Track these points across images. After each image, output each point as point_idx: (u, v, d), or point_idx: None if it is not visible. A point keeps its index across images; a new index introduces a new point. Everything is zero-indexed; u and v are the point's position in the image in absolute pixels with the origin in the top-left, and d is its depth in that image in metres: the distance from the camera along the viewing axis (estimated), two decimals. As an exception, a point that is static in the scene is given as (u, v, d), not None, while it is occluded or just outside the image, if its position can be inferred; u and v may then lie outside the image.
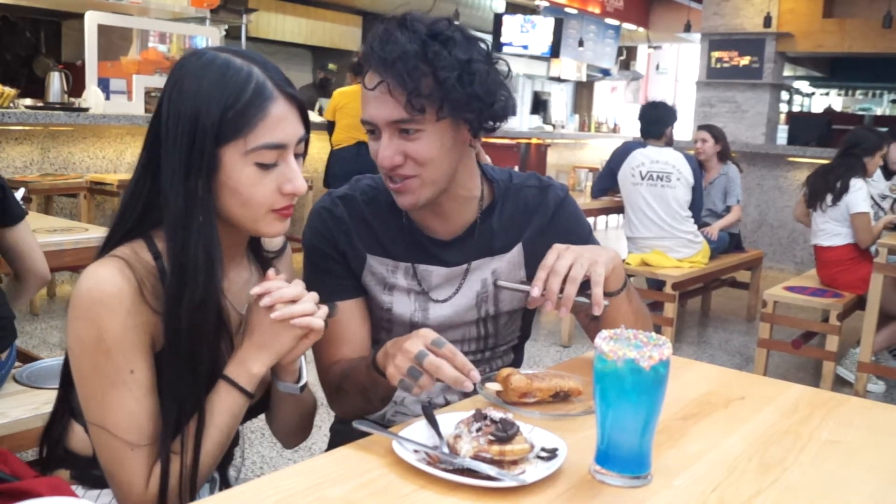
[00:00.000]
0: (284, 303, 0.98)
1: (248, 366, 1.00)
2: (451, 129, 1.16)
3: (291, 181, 1.00)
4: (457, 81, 1.10)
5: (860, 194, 3.78)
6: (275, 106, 0.98)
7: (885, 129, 4.46)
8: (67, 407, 1.08)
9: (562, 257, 1.09)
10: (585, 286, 1.09)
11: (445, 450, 0.89)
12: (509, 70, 1.20)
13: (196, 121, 0.95)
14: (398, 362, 1.01)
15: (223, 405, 1.00)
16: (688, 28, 10.17)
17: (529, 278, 1.30)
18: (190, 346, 0.98)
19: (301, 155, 1.03)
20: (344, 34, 10.26)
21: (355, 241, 1.28)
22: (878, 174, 4.26)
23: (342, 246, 1.28)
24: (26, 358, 2.27)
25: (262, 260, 1.16)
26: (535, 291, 1.08)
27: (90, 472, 1.07)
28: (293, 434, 1.24)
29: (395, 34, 1.11)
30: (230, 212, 1.00)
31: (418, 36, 1.11)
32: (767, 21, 7.50)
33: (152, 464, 0.98)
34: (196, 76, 0.97)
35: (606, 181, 4.58)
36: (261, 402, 1.13)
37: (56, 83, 4.84)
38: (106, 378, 0.94)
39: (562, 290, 1.07)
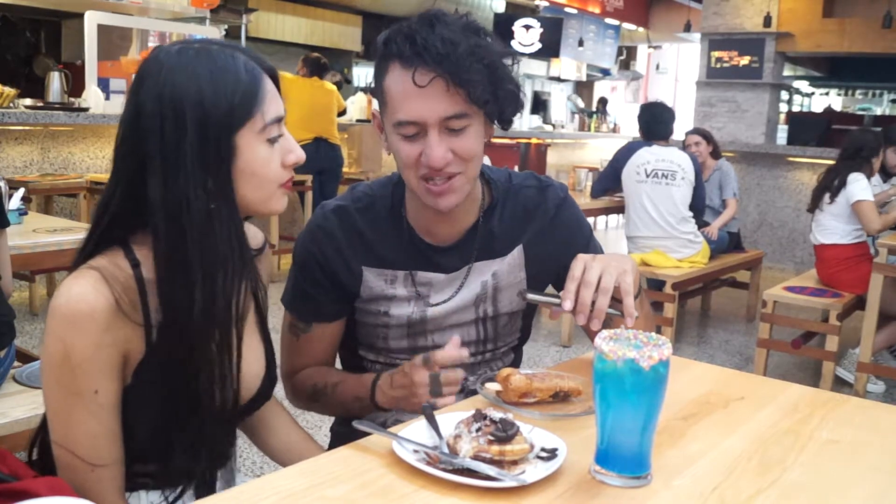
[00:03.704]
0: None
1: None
2: (485, 124, 1.17)
3: (293, 151, 1.01)
4: (506, 75, 1.12)
5: (859, 185, 3.78)
6: (266, 82, 0.99)
7: (878, 129, 4.46)
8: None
9: (590, 268, 1.06)
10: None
11: (445, 450, 0.89)
12: (517, 59, 1.21)
13: (204, 111, 0.92)
14: (419, 393, 1.11)
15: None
16: (688, 28, 10.17)
17: (529, 279, 1.30)
18: (187, 350, 0.96)
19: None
20: (344, 34, 10.26)
21: (348, 257, 1.25)
22: (876, 178, 4.26)
23: (332, 264, 1.25)
24: (26, 358, 2.27)
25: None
26: (567, 305, 1.06)
27: None
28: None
29: (438, 29, 1.09)
30: (245, 197, 0.99)
31: (461, 30, 1.10)
32: (767, 21, 7.50)
33: (118, 483, 0.97)
34: (186, 70, 0.93)
35: (608, 181, 4.57)
36: (258, 397, 1.13)
37: (56, 83, 4.84)
38: (68, 396, 0.93)
39: (592, 302, 1.06)
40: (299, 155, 1.02)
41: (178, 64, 0.94)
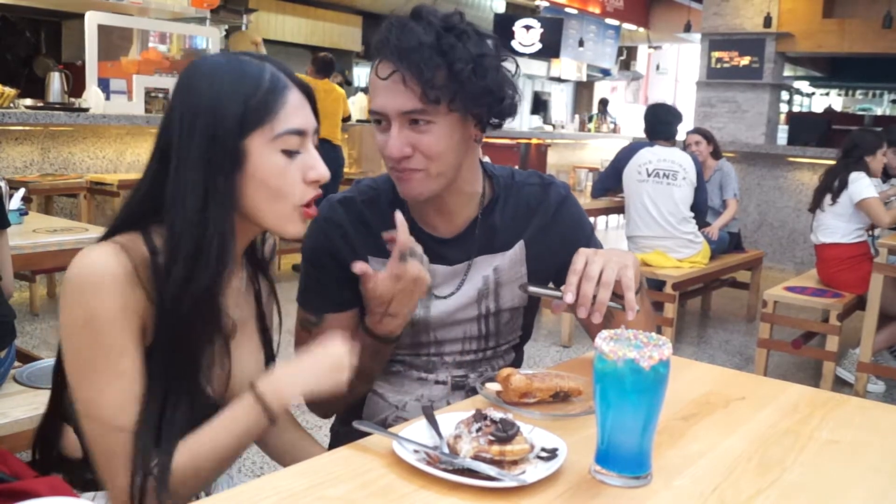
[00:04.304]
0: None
1: (282, 392, 0.98)
2: (460, 123, 1.16)
3: (315, 168, 1.01)
4: (471, 74, 1.11)
5: (861, 183, 3.78)
6: (292, 94, 0.99)
7: (879, 129, 4.47)
8: (59, 410, 1.07)
9: (591, 262, 1.07)
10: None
11: (445, 450, 0.89)
12: (517, 67, 1.20)
13: (216, 115, 0.95)
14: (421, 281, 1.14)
15: (242, 420, 0.97)
16: (688, 28, 10.18)
17: (530, 275, 1.31)
18: (182, 341, 0.97)
19: (316, 146, 1.04)
20: (344, 34, 10.27)
21: (356, 246, 1.27)
22: (877, 179, 4.27)
23: (341, 253, 1.27)
24: (26, 358, 2.27)
25: (257, 265, 1.15)
26: (569, 297, 1.07)
27: (82, 476, 1.06)
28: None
29: (410, 25, 1.11)
30: (257, 208, 0.99)
31: (433, 27, 1.11)
32: (767, 21, 7.50)
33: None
34: (210, 75, 0.98)
35: (610, 181, 4.57)
36: None
37: (56, 83, 4.85)
38: (96, 360, 0.93)
39: (594, 295, 1.06)
40: (321, 172, 1.01)
41: (206, 66, 0.99)
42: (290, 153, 0.98)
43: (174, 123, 0.97)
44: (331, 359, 1.00)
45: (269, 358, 1.17)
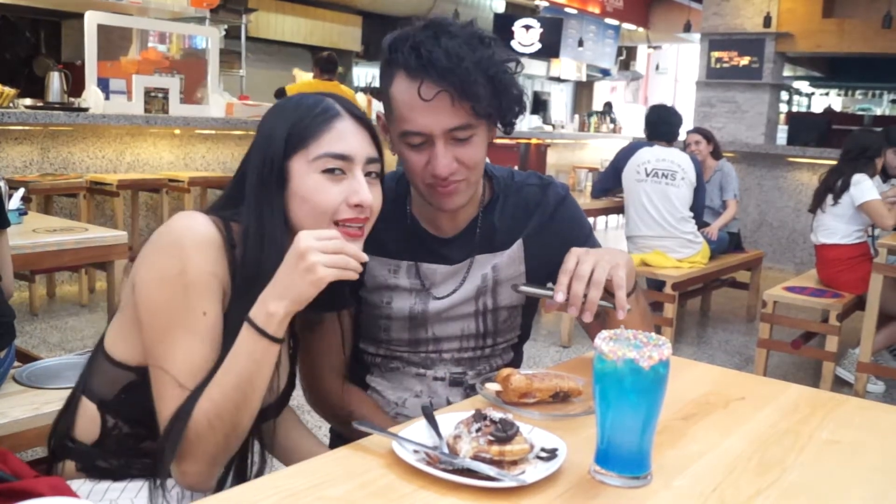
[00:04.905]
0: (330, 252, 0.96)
1: (266, 306, 0.96)
2: (489, 130, 1.19)
3: (357, 193, 1.04)
4: (509, 84, 1.14)
5: (864, 186, 3.78)
6: (340, 122, 1.05)
7: (878, 130, 4.48)
8: (82, 388, 1.09)
9: (583, 261, 1.08)
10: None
11: (445, 450, 0.89)
12: (520, 65, 1.21)
13: (268, 139, 1.05)
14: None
15: (241, 348, 0.97)
16: (687, 28, 10.18)
17: (528, 273, 1.31)
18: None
19: (376, 174, 1.08)
20: (344, 34, 10.26)
21: None
22: (876, 179, 4.28)
23: None
24: (26, 358, 2.27)
25: None
26: (560, 297, 1.08)
27: (94, 463, 1.07)
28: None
29: (444, 41, 1.10)
30: (300, 223, 1.04)
31: (466, 42, 1.11)
32: (767, 21, 7.50)
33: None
34: (277, 108, 1.10)
35: (609, 181, 4.57)
36: (270, 407, 1.13)
37: (56, 83, 4.84)
38: (177, 314, 0.97)
39: (584, 295, 1.07)
40: (361, 197, 1.04)
41: (279, 102, 1.11)
42: (332, 175, 1.03)
43: (250, 148, 1.08)
44: (293, 257, 0.95)
45: (293, 373, 1.20)
